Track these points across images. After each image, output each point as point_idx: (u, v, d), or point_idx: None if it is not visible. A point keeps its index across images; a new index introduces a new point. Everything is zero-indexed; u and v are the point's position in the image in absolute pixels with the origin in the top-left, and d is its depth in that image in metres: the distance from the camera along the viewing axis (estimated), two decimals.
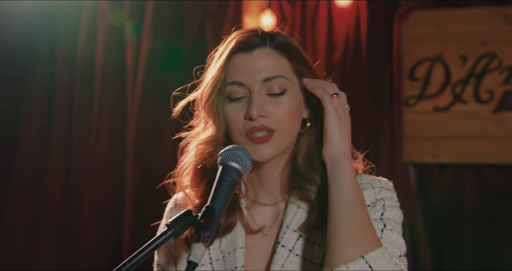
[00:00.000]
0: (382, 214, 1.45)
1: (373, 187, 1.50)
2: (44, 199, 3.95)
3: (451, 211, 3.74)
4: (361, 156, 1.64)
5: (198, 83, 1.58)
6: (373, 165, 1.65)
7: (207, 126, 1.54)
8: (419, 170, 3.83)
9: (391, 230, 1.42)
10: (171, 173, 1.63)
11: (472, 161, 3.74)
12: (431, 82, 3.86)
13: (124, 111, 3.95)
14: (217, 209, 1.22)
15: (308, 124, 1.55)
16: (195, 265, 1.13)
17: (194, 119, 1.60)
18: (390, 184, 1.56)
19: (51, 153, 3.97)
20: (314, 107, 1.54)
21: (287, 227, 1.47)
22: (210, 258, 1.54)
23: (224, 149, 1.36)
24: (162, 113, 3.71)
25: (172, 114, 1.59)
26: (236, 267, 1.48)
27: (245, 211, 1.56)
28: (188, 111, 1.62)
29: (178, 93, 1.61)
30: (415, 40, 3.90)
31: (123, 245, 3.79)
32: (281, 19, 4.02)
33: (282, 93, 1.46)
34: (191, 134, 1.58)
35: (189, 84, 1.61)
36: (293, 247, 1.45)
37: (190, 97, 1.58)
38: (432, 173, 3.81)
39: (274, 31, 1.55)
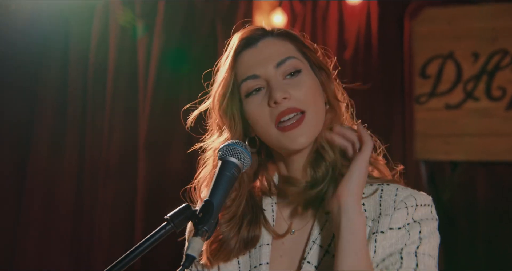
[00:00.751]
0: (417, 248, 1.34)
1: (406, 207, 1.38)
2: (58, 198, 3.98)
3: (463, 209, 3.73)
4: (381, 159, 1.57)
5: (209, 92, 1.57)
6: (399, 167, 1.57)
7: (222, 132, 1.50)
8: (431, 167, 3.82)
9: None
10: (186, 187, 1.58)
11: (484, 158, 3.73)
12: (443, 80, 3.85)
13: (136, 111, 3.97)
14: (216, 203, 1.23)
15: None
16: (193, 258, 1.13)
17: (207, 134, 1.56)
18: (428, 199, 1.43)
19: (65, 153, 4.00)
20: (331, 94, 1.51)
21: (314, 241, 1.42)
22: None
23: (223, 144, 1.35)
24: (173, 113, 3.73)
25: (186, 126, 1.57)
26: (260, 264, 1.46)
27: (275, 207, 1.53)
28: (200, 124, 1.59)
29: (190, 107, 1.58)
30: (426, 38, 3.89)
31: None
32: (292, 17, 4.03)
33: (298, 72, 1.43)
34: (207, 143, 1.54)
35: (199, 95, 1.59)
36: (319, 264, 1.40)
37: (202, 107, 1.55)
38: (444, 170, 3.79)
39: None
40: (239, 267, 1.50)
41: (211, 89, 1.54)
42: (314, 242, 1.42)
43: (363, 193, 1.41)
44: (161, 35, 3.94)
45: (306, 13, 4.00)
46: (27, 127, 4.01)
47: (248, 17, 3.90)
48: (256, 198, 1.54)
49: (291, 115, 1.39)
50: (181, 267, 1.13)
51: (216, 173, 1.30)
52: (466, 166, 3.76)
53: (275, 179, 1.56)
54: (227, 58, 1.49)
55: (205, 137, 1.57)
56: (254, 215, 1.51)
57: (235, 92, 1.46)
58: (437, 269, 1.36)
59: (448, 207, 3.74)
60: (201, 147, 1.56)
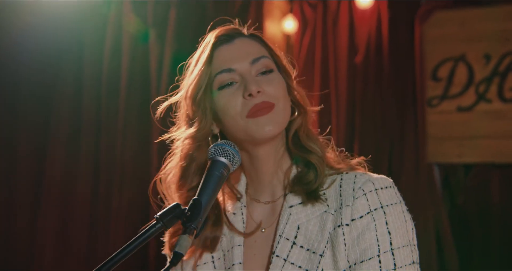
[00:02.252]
0: (391, 243, 1.40)
1: (365, 194, 1.43)
2: (74, 203, 4.05)
3: (478, 211, 3.70)
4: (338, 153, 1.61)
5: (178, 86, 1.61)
6: (358, 158, 1.59)
7: (191, 124, 1.54)
8: (444, 171, 3.81)
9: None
10: (155, 178, 1.63)
11: (498, 161, 3.71)
12: (454, 82, 3.84)
13: (149, 117, 4.00)
14: (204, 202, 1.26)
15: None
16: (181, 255, 1.16)
17: (175, 126, 1.61)
18: (388, 181, 1.47)
19: (80, 158, 4.06)
20: (297, 98, 1.58)
21: (280, 236, 1.48)
22: (212, 257, 1.58)
23: (213, 145, 1.40)
24: None
25: (155, 116, 1.62)
26: (233, 264, 1.52)
27: (244, 210, 1.59)
28: (169, 117, 1.63)
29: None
30: (437, 40, 3.89)
31: (150, 248, 3.85)
32: (303, 23, 4.05)
33: (270, 71, 1.50)
34: (176, 135, 1.58)
35: (170, 87, 1.65)
36: (287, 256, 1.46)
37: (173, 99, 1.59)
38: (457, 173, 3.78)
39: None
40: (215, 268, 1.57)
41: (181, 83, 1.59)
42: (280, 236, 1.48)
43: (323, 185, 1.48)
44: (173, 43, 4.00)
45: (316, 18, 4.01)
46: (44, 135, 4.07)
47: (258, 28, 3.91)
48: (219, 200, 1.60)
49: (264, 105, 1.45)
50: (168, 264, 1.17)
51: (206, 172, 1.34)
52: (480, 168, 3.73)
53: (242, 183, 1.62)
54: (202, 52, 1.53)
55: (172, 129, 1.60)
56: (216, 217, 1.57)
57: (208, 85, 1.50)
58: (416, 252, 1.43)
59: (462, 210, 3.73)
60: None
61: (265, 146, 1.51)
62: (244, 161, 1.57)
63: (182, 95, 1.56)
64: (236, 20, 1.63)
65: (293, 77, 1.60)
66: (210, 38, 1.55)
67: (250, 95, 1.44)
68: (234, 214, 1.59)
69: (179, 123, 1.59)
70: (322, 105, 1.69)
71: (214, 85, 1.49)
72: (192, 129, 1.52)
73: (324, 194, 1.48)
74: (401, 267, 1.38)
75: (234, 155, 1.38)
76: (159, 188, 1.62)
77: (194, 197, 1.27)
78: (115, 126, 4.05)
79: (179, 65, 1.61)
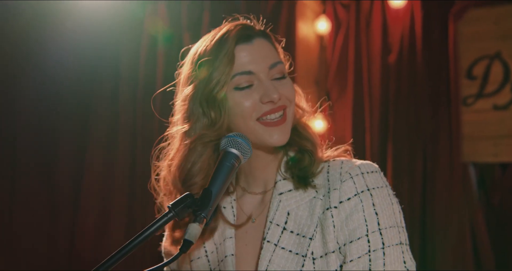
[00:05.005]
0: (378, 224, 1.44)
1: (351, 177, 1.49)
2: (112, 202, 4.13)
3: None
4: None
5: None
6: (346, 148, 1.63)
7: (205, 120, 1.54)
8: (480, 170, 3.77)
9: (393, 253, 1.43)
10: (156, 170, 1.66)
11: None
12: (490, 80, 3.80)
13: None
14: (214, 191, 1.30)
15: None
16: (191, 243, 1.20)
17: (176, 116, 1.62)
18: (374, 166, 1.53)
19: (117, 161, 4.14)
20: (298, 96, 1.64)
21: (271, 222, 1.53)
22: (206, 251, 1.64)
23: (225, 136, 1.43)
24: None
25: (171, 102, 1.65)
26: (226, 256, 1.57)
27: (234, 203, 1.64)
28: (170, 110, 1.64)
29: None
30: (471, 38, 3.85)
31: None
32: (336, 24, 4.06)
33: (283, 77, 1.55)
34: (178, 130, 1.59)
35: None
36: (278, 241, 1.50)
37: (186, 91, 1.57)
38: (493, 173, 3.73)
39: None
40: (209, 265, 1.62)
41: (193, 74, 1.56)
42: (271, 222, 1.53)
43: (315, 172, 1.54)
44: None
45: (350, 18, 4.02)
46: (83, 135, 4.17)
47: (291, 29, 3.94)
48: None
49: (277, 115, 1.50)
50: (179, 251, 1.20)
51: (217, 163, 1.38)
52: None
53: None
54: (220, 47, 1.51)
55: (172, 119, 1.63)
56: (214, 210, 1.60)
57: (227, 84, 1.50)
58: (404, 234, 1.48)
59: (498, 210, 3.68)
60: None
61: (268, 148, 1.57)
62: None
63: (193, 91, 1.55)
64: (252, 17, 1.64)
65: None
66: (228, 33, 1.54)
67: (271, 101, 1.49)
68: (224, 207, 1.64)
69: (190, 116, 1.57)
70: (329, 102, 1.75)
71: (231, 85, 1.50)
72: (206, 127, 1.53)
73: (313, 181, 1.53)
74: (388, 246, 1.42)
75: (245, 147, 1.41)
76: (161, 181, 1.65)
77: (205, 187, 1.31)
78: (151, 129, 4.12)
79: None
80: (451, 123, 3.75)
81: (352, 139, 1.69)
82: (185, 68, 1.60)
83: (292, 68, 1.68)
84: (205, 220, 1.25)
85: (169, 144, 1.65)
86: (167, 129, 1.65)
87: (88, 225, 4.10)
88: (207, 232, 1.61)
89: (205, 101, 1.52)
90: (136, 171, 4.13)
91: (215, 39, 1.54)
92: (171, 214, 1.26)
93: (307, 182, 1.53)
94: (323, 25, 4.12)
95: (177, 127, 1.60)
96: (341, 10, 4.06)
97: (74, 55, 4.03)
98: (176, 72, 1.66)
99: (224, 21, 1.64)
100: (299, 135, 1.59)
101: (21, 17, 3.85)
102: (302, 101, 1.66)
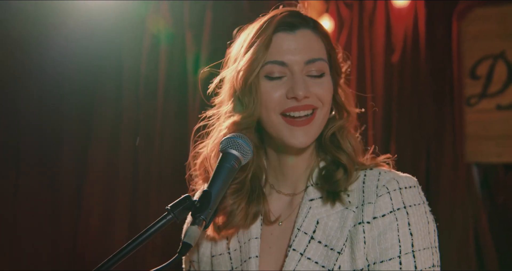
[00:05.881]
0: (412, 245, 1.38)
1: (388, 192, 1.42)
2: (114, 205, 4.12)
3: None
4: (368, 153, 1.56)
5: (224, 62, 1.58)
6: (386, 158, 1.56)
7: (236, 104, 1.51)
8: (484, 171, 3.74)
9: None
10: (192, 153, 1.63)
11: None
12: (494, 80, 3.78)
13: (186, 119, 4.07)
14: (214, 193, 1.27)
15: (333, 112, 1.54)
16: (189, 246, 1.18)
17: (219, 97, 1.58)
18: (412, 181, 1.46)
19: (120, 159, 4.14)
20: (343, 98, 1.54)
21: (298, 229, 1.46)
22: (228, 248, 1.57)
23: (225, 137, 1.40)
24: None
25: (208, 91, 1.59)
26: (250, 257, 1.50)
27: (263, 200, 1.56)
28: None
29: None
30: (475, 38, 3.83)
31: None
32: (339, 22, 4.04)
33: (321, 76, 1.46)
34: (219, 112, 1.55)
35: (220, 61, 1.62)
36: (304, 250, 1.44)
37: (224, 73, 1.55)
38: (497, 173, 3.71)
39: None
40: (231, 263, 1.55)
41: (236, 57, 1.53)
42: (299, 229, 1.46)
43: (349, 187, 1.46)
44: (209, 44, 4.04)
45: (353, 17, 4.00)
46: (86, 134, 4.17)
47: None
48: (257, 181, 1.57)
49: (303, 113, 1.43)
50: (177, 254, 1.18)
51: (217, 164, 1.34)
52: None
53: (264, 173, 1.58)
54: (260, 34, 1.46)
55: (215, 100, 1.58)
56: (257, 195, 1.55)
57: (260, 69, 1.46)
58: (437, 254, 1.41)
59: (502, 210, 3.66)
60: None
61: (296, 149, 1.50)
62: (271, 154, 1.56)
63: (233, 73, 1.51)
64: (303, 3, 1.56)
65: (343, 74, 1.56)
66: (272, 19, 1.48)
67: (295, 98, 1.42)
68: None
69: (222, 100, 1.55)
70: (358, 106, 1.64)
71: (263, 72, 1.46)
72: (240, 114, 1.48)
73: (347, 190, 1.45)
74: (421, 270, 1.36)
75: (245, 148, 1.38)
76: (200, 159, 1.59)
77: (204, 189, 1.28)
78: (153, 127, 4.12)
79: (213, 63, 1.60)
80: (455, 123, 3.73)
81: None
82: (233, 49, 1.56)
83: (349, 70, 1.59)
84: (204, 222, 1.23)
85: (206, 125, 1.61)
86: (208, 109, 1.61)
87: (90, 225, 4.09)
88: (233, 227, 1.53)
89: (241, 86, 1.47)
90: (139, 170, 4.12)
91: (260, 23, 1.50)
92: (170, 216, 1.25)
93: (336, 198, 1.45)
94: (326, 24, 4.10)
95: (220, 108, 1.55)
96: (344, 9, 4.04)
97: (76, 54, 4.02)
98: (227, 51, 1.61)
99: (281, 6, 1.57)
100: (336, 144, 1.51)
101: (22, 17, 3.85)
102: (350, 104, 1.55)
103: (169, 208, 1.25)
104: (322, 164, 1.52)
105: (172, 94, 4.12)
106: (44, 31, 3.94)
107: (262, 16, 1.53)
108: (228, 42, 1.60)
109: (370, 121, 3.84)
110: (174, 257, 1.18)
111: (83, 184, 4.12)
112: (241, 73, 1.47)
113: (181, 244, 1.18)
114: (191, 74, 4.07)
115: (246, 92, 1.47)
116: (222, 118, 1.54)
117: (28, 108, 3.97)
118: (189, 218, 1.58)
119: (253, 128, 1.50)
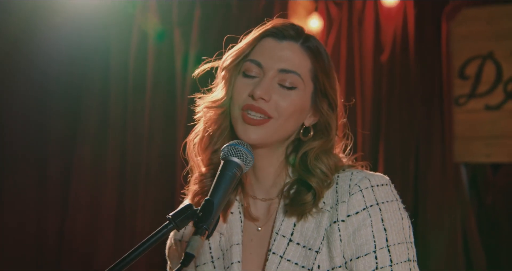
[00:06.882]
0: (387, 240, 1.41)
1: (361, 190, 1.44)
2: (101, 203, 4.10)
3: (506, 212, 3.64)
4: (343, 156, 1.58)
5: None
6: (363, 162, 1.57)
7: (218, 91, 1.56)
8: (472, 171, 3.75)
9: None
10: (185, 140, 1.65)
11: None
12: (482, 81, 3.79)
13: (174, 117, 4.06)
14: (216, 202, 1.26)
15: (311, 133, 1.53)
16: (192, 256, 1.16)
17: (214, 84, 1.62)
18: (384, 179, 1.48)
19: (107, 158, 4.12)
20: (324, 122, 1.53)
21: (277, 233, 1.49)
22: (212, 257, 1.59)
23: (226, 144, 1.39)
24: None
25: (193, 74, 1.62)
26: (232, 263, 1.52)
27: (241, 209, 1.59)
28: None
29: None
30: (464, 38, 3.84)
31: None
32: (328, 22, 4.03)
33: (291, 88, 1.47)
34: (207, 98, 1.59)
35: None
36: (284, 253, 1.47)
37: (214, 63, 1.59)
38: (485, 173, 3.72)
39: (312, 35, 1.57)
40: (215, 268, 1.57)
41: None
42: (277, 233, 1.49)
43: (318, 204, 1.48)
44: (198, 42, 4.03)
45: (342, 17, 3.99)
46: (73, 131, 4.15)
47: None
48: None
49: (258, 115, 1.45)
50: (180, 265, 1.16)
51: (218, 172, 1.33)
52: (508, 168, 3.67)
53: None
54: (255, 33, 1.53)
55: (211, 86, 1.62)
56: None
57: (240, 64, 1.51)
58: (413, 250, 1.45)
59: (490, 210, 3.67)
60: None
61: (258, 149, 1.50)
62: None
63: (221, 62, 1.57)
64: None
65: (337, 103, 1.55)
66: (268, 25, 1.54)
67: (252, 96, 1.45)
68: (232, 213, 1.60)
69: (214, 84, 1.61)
70: (346, 117, 1.62)
71: (242, 68, 1.51)
72: (213, 98, 1.55)
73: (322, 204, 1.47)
74: (397, 263, 1.40)
75: (247, 155, 1.37)
76: (189, 150, 1.63)
77: (206, 197, 1.27)
78: (141, 124, 4.11)
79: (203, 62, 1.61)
80: (444, 123, 3.73)
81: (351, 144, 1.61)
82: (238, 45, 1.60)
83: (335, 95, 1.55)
84: (207, 232, 1.21)
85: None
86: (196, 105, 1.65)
87: (78, 220, 4.08)
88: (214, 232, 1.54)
89: (223, 75, 1.54)
90: (126, 165, 4.10)
91: (261, 27, 1.55)
92: (171, 225, 1.24)
93: (303, 213, 1.47)
94: (315, 23, 4.09)
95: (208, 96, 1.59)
96: (333, 8, 4.03)
97: (64, 50, 4.01)
98: None
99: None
100: (305, 167, 1.50)
101: (10, 14, 3.82)
102: (332, 128, 1.53)
103: (170, 216, 1.25)
104: (294, 175, 1.53)
105: (160, 92, 4.11)
106: (33, 27, 3.93)
107: (266, 20, 1.58)
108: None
109: (359, 121, 3.84)
110: (177, 267, 1.17)
111: (71, 179, 4.11)
112: (226, 61, 1.54)
113: (183, 254, 1.16)
114: (179, 72, 4.05)
115: (225, 80, 1.53)
116: (203, 109, 1.59)
117: (15, 103, 3.95)
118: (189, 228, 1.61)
119: (227, 116, 1.53)
